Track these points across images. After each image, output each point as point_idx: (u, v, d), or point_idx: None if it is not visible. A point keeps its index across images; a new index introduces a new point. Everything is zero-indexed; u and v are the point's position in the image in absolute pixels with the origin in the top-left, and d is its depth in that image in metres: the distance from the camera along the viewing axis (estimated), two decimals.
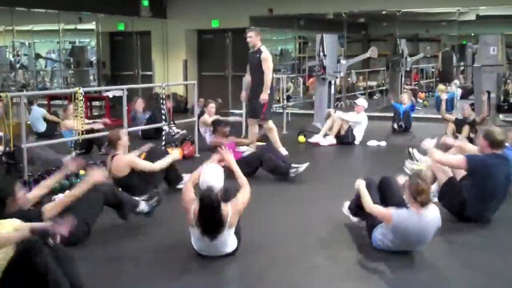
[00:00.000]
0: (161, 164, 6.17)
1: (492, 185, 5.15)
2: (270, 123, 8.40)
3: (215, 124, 8.43)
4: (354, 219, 5.12)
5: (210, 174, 4.37)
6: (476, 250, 4.74)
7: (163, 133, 8.71)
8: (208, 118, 9.11)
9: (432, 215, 4.33)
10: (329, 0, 13.59)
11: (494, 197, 5.22)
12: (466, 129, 9.18)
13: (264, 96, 8.07)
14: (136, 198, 5.29)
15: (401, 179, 4.81)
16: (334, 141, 9.66)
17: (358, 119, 9.77)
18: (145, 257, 4.52)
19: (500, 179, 5.16)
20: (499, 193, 5.23)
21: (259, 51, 8.20)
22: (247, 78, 8.43)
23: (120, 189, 5.43)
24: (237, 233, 4.46)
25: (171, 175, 6.51)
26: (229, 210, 4.26)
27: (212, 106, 9.29)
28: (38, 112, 10.72)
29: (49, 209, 4.28)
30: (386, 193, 4.80)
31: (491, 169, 5.11)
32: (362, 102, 10.13)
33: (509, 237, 5.14)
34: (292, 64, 16.39)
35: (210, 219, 4.18)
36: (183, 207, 4.45)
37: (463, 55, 15.37)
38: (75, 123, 7.09)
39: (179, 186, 6.35)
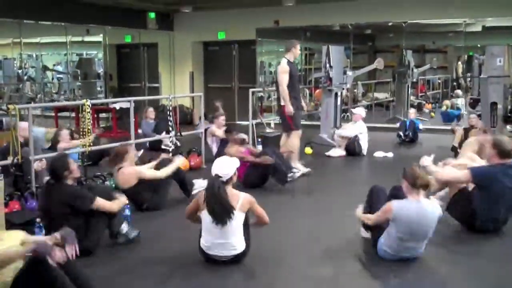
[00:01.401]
0: (166, 171, 6.28)
1: (499, 194, 5.13)
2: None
3: (226, 131, 8.19)
4: (366, 235, 5.08)
5: (220, 164, 4.51)
6: (483, 260, 4.72)
7: (170, 144, 8.72)
8: (217, 129, 9.10)
9: (430, 203, 4.48)
10: (335, 11, 13.64)
11: (502, 206, 5.20)
12: (473, 133, 9.13)
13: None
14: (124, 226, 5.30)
15: (426, 161, 5.12)
16: (343, 153, 9.73)
17: (358, 130, 9.79)
18: (148, 270, 4.51)
19: (507, 188, 5.14)
20: (507, 201, 5.20)
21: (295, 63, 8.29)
22: (287, 90, 8.03)
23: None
24: (247, 238, 4.49)
25: (183, 183, 6.60)
26: (240, 195, 4.46)
27: (222, 119, 9.27)
28: (39, 132, 10.45)
29: (100, 202, 4.75)
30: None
31: (498, 179, 5.11)
32: (359, 111, 10.17)
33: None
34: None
35: (217, 201, 4.31)
36: (189, 211, 4.66)
37: (469, 66, 15.35)
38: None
39: (195, 192, 6.49)
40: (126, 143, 8.21)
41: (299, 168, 8.16)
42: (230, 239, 4.38)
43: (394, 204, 4.41)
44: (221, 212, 4.32)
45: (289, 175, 7.20)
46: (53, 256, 3.29)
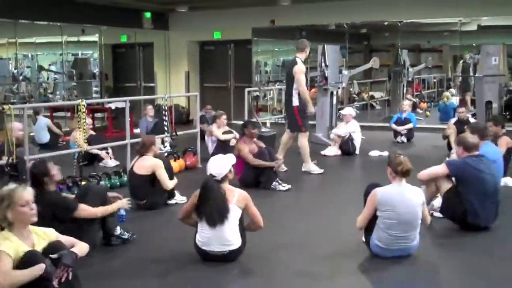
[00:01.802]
0: (172, 183, 6.41)
1: (480, 182, 5.25)
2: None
3: (243, 126, 7.85)
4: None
5: (214, 163, 4.58)
6: (476, 255, 4.75)
7: (165, 144, 8.72)
8: (216, 129, 9.08)
9: (413, 188, 4.64)
10: (330, 11, 13.65)
11: (487, 195, 5.27)
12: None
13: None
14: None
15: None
16: (339, 152, 9.76)
17: (351, 129, 9.83)
18: (144, 269, 4.51)
19: (485, 176, 5.28)
20: (489, 189, 5.29)
21: None
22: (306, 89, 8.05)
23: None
24: (243, 235, 4.50)
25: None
26: (236, 191, 4.52)
27: (224, 118, 9.24)
28: (43, 122, 10.81)
29: (83, 209, 4.64)
30: None
31: (472, 166, 5.29)
32: (348, 111, 10.20)
33: (506, 244, 5.12)
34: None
35: (212, 201, 4.36)
36: (184, 211, 4.68)
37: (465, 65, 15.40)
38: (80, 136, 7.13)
39: (170, 202, 6.48)
40: (121, 143, 8.21)
41: (312, 169, 8.16)
42: (227, 234, 4.39)
43: (378, 190, 4.59)
44: (216, 213, 4.34)
45: (273, 183, 7.18)
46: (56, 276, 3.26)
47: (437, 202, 5.62)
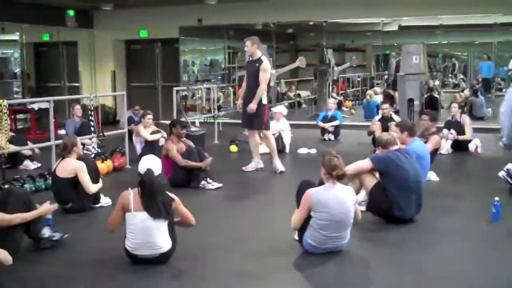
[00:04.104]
0: (95, 187, 6.19)
1: (402, 176, 5.41)
2: (268, 133, 8.36)
3: (171, 125, 7.68)
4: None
5: (150, 160, 4.64)
6: (404, 249, 4.90)
7: (92, 145, 8.55)
8: (142, 129, 8.94)
9: (346, 188, 4.72)
10: (257, 10, 13.75)
11: (410, 189, 5.44)
12: (392, 126, 9.40)
13: (252, 106, 7.84)
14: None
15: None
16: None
17: (281, 127, 9.93)
18: (74, 274, 4.40)
19: (406, 170, 5.43)
20: (413, 184, 5.46)
21: (259, 61, 8.01)
22: (244, 86, 8.22)
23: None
24: (173, 237, 4.46)
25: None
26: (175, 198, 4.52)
27: (149, 118, 9.08)
28: None
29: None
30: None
31: (394, 162, 5.44)
32: (280, 109, 10.32)
33: (431, 236, 5.30)
34: (222, 74, 16.46)
35: (157, 192, 4.37)
36: (114, 220, 4.57)
37: (387, 65, 15.89)
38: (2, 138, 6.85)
39: (96, 205, 6.34)
40: (45, 144, 7.97)
41: (248, 166, 8.21)
42: (156, 239, 4.34)
43: (312, 191, 4.61)
44: (162, 207, 4.34)
45: (201, 182, 7.13)
46: None
47: (361, 196, 5.76)
